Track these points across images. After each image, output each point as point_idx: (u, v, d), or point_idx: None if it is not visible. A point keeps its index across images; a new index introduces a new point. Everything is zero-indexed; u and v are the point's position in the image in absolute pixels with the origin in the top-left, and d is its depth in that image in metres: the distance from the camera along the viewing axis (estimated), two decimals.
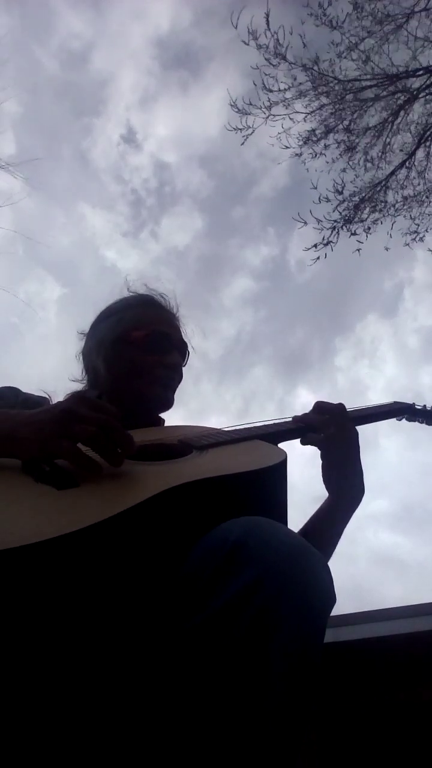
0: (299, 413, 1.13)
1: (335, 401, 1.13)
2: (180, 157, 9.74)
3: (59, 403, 0.79)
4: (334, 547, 1.06)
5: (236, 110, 6.68)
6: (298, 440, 1.09)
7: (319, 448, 1.08)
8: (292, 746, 0.57)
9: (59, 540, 0.56)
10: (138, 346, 1.16)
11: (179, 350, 1.22)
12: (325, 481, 1.09)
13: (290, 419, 1.11)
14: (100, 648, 0.61)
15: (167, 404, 1.19)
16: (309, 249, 6.84)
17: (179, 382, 1.22)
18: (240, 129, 6.76)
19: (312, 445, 1.08)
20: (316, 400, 1.13)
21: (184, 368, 1.24)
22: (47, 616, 0.57)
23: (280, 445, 1.00)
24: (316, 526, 1.07)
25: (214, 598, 0.59)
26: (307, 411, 1.14)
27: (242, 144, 6.90)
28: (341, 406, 1.10)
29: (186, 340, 1.25)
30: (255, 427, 1.08)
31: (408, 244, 6.96)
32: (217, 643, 0.56)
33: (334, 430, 1.07)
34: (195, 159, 9.71)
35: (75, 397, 0.79)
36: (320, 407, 1.11)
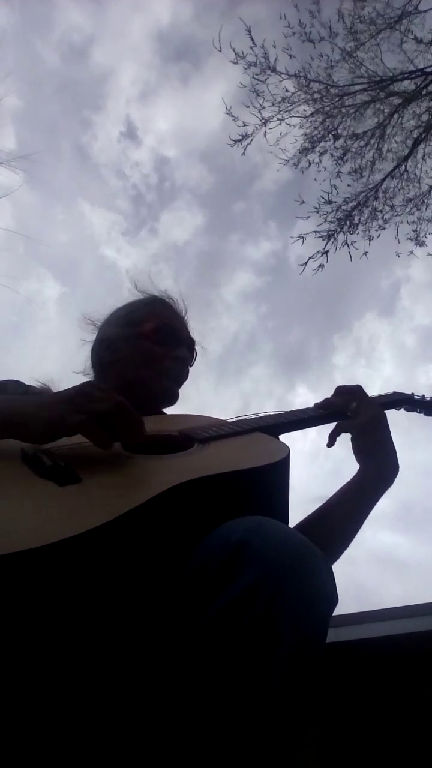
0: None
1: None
2: (180, 152, 9.74)
3: (70, 387, 0.80)
4: (359, 527, 1.06)
5: (233, 118, 6.73)
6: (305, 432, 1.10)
7: (351, 428, 1.11)
8: (294, 746, 0.57)
9: (64, 543, 0.55)
10: (148, 337, 1.19)
11: (188, 347, 1.24)
12: (359, 455, 1.11)
13: (312, 406, 1.14)
14: (105, 650, 0.61)
15: (173, 398, 1.21)
16: (304, 263, 6.88)
17: (185, 379, 1.24)
18: (239, 141, 6.81)
19: (344, 431, 1.11)
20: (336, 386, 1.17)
21: (190, 368, 1.26)
22: (51, 618, 0.56)
23: (282, 438, 0.99)
24: (344, 500, 1.08)
25: (216, 599, 0.59)
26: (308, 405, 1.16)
27: (243, 154, 6.95)
28: (358, 386, 1.14)
29: (194, 339, 1.27)
30: (263, 417, 1.08)
31: (412, 252, 6.99)
32: (219, 643, 0.56)
33: (357, 404, 1.10)
34: (195, 153, 9.70)
35: (86, 382, 0.80)
36: (340, 389, 1.15)
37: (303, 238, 6.76)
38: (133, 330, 1.20)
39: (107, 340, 1.23)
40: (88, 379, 1.25)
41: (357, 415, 1.10)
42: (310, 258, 6.85)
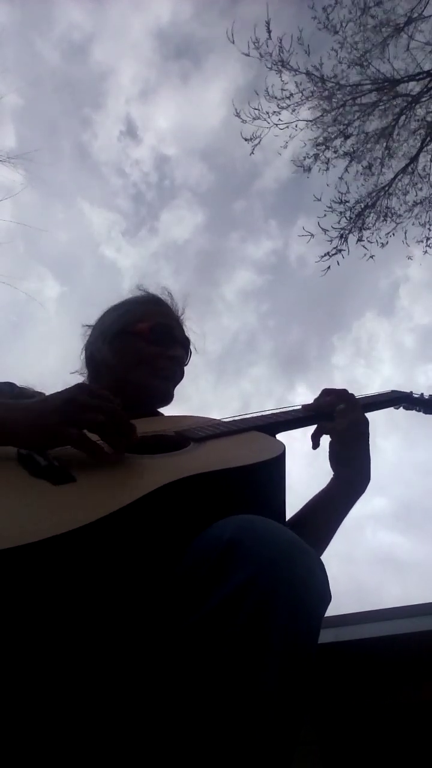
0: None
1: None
2: (180, 150, 9.69)
3: (60, 392, 0.79)
4: (332, 536, 1.05)
5: (241, 120, 6.71)
6: (298, 436, 1.10)
7: (331, 431, 1.09)
8: (289, 743, 0.57)
9: (57, 539, 0.55)
10: (142, 337, 1.19)
11: (182, 346, 1.24)
12: (334, 461, 1.10)
13: (299, 407, 1.13)
14: (98, 648, 0.61)
15: (167, 397, 1.21)
16: (319, 261, 6.85)
17: (180, 378, 1.24)
18: (248, 140, 6.80)
19: (325, 433, 1.10)
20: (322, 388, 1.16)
21: (185, 367, 1.26)
22: (44, 616, 0.56)
23: (279, 437, 0.99)
24: (317, 508, 1.07)
25: (209, 598, 0.59)
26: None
27: (251, 154, 6.92)
28: (345, 390, 1.13)
29: (189, 338, 1.27)
30: (259, 417, 1.08)
31: (426, 251, 6.95)
32: (212, 642, 0.56)
33: (344, 406, 1.09)
34: (196, 152, 9.67)
35: (77, 387, 0.79)
36: (327, 391, 1.14)
37: (311, 235, 6.72)
38: (128, 329, 1.20)
39: (101, 339, 1.22)
40: (82, 380, 1.25)
41: (341, 417, 1.09)
42: (325, 255, 6.82)
